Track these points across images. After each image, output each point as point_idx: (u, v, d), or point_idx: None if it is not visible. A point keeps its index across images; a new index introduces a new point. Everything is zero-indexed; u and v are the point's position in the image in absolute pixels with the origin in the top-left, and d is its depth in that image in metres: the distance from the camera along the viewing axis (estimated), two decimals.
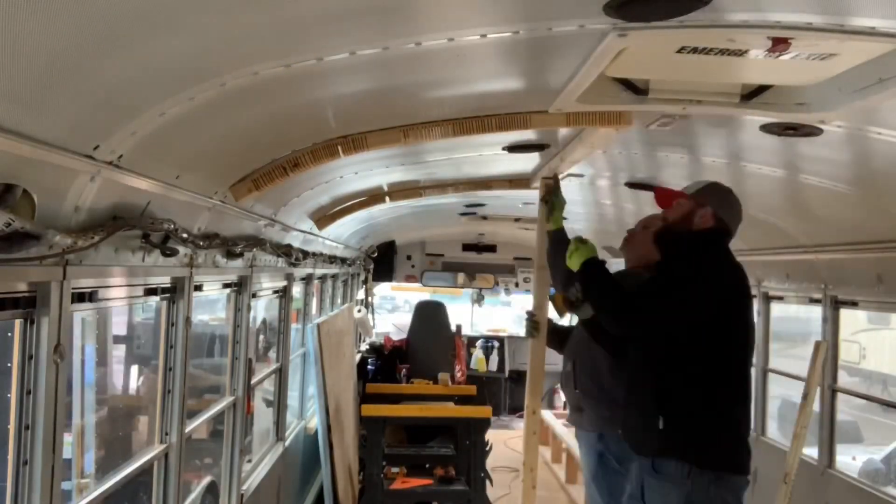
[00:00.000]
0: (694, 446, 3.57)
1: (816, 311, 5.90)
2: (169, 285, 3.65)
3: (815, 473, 5.68)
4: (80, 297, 2.74)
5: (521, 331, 14.23)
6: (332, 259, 8.04)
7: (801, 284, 6.10)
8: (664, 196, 3.96)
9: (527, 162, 5.45)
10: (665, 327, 3.60)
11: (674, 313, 3.57)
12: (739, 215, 3.91)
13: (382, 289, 16.06)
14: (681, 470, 3.56)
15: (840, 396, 5.86)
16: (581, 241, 3.96)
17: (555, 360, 7.59)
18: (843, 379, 7.33)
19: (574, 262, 3.86)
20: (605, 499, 4.63)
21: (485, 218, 9.51)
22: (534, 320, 4.82)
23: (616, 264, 10.75)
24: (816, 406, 5.63)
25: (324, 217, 6.22)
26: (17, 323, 2.44)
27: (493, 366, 13.61)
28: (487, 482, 7.72)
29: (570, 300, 4.23)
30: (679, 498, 3.57)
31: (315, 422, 7.54)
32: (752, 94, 3.11)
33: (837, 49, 2.49)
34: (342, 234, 8.05)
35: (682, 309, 3.56)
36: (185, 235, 3.23)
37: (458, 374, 10.90)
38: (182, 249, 3.44)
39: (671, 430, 3.58)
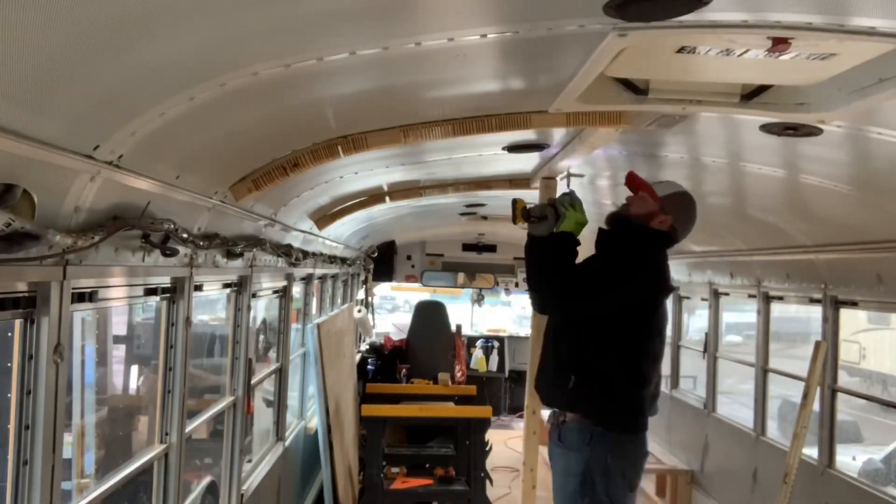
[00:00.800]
0: (597, 407, 3.94)
1: (816, 311, 5.91)
2: (169, 285, 3.66)
3: (815, 473, 5.68)
4: (80, 297, 2.74)
5: (521, 331, 14.30)
6: (332, 259, 8.04)
7: (801, 284, 6.10)
8: (635, 183, 4.10)
9: (527, 162, 5.46)
10: (591, 316, 3.96)
11: (604, 307, 3.92)
12: (690, 229, 4.19)
13: (382, 289, 16.05)
14: (582, 438, 3.93)
15: (840, 396, 5.86)
16: (575, 205, 4.02)
17: None
18: (843, 379, 7.33)
19: (566, 226, 3.96)
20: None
21: (485, 218, 9.51)
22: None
23: None
24: (816, 406, 5.64)
25: (324, 217, 6.22)
26: (17, 323, 2.44)
27: (493, 366, 13.60)
28: (487, 482, 7.71)
29: (531, 214, 4.07)
30: (579, 463, 3.93)
31: (315, 422, 7.54)
32: (752, 94, 3.11)
33: (837, 49, 2.49)
34: (342, 234, 8.05)
35: (612, 302, 3.91)
36: (185, 235, 3.23)
37: (458, 374, 10.90)
38: (182, 249, 3.44)
39: (579, 388, 3.93)
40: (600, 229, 4.18)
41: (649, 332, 4.07)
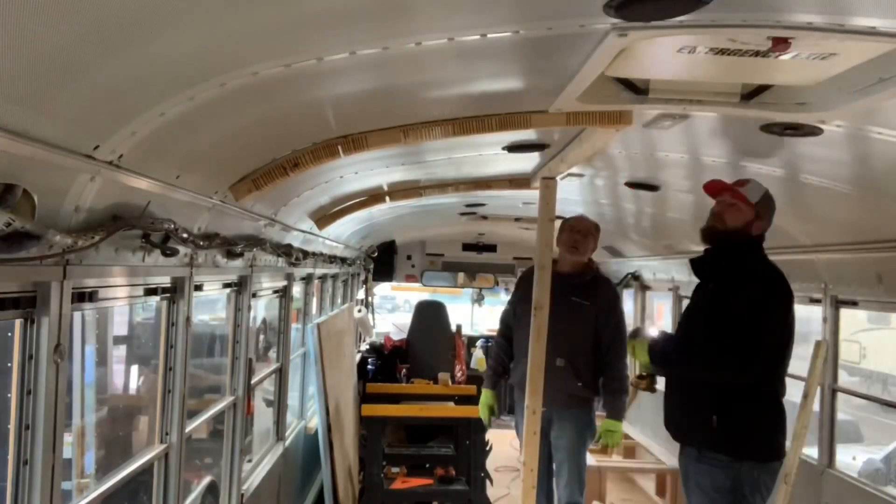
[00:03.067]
0: (743, 442, 3.83)
1: (816, 311, 5.90)
2: (169, 285, 3.66)
3: (815, 473, 5.68)
4: (80, 297, 2.74)
5: None
6: (332, 259, 8.04)
7: (801, 284, 6.09)
8: (721, 190, 4.05)
9: (527, 162, 5.45)
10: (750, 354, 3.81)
11: (752, 342, 3.77)
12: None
13: (382, 289, 16.04)
14: (728, 457, 3.84)
15: (840, 396, 5.86)
16: (632, 336, 4.25)
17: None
18: (844, 378, 7.32)
19: (642, 357, 4.10)
20: None
21: (485, 218, 9.51)
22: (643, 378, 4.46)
23: (616, 263, 10.71)
24: (816, 406, 5.63)
25: (324, 217, 6.22)
26: (17, 323, 2.44)
27: None
28: (487, 482, 7.71)
29: (646, 375, 4.35)
30: (727, 480, 3.83)
31: (315, 422, 7.54)
32: (752, 94, 3.12)
33: (837, 49, 2.49)
34: (342, 233, 8.05)
35: (758, 334, 3.78)
36: (185, 235, 3.23)
37: (458, 374, 10.89)
38: (182, 249, 3.44)
39: (724, 427, 3.82)
40: (694, 261, 4.13)
41: (785, 356, 3.99)
